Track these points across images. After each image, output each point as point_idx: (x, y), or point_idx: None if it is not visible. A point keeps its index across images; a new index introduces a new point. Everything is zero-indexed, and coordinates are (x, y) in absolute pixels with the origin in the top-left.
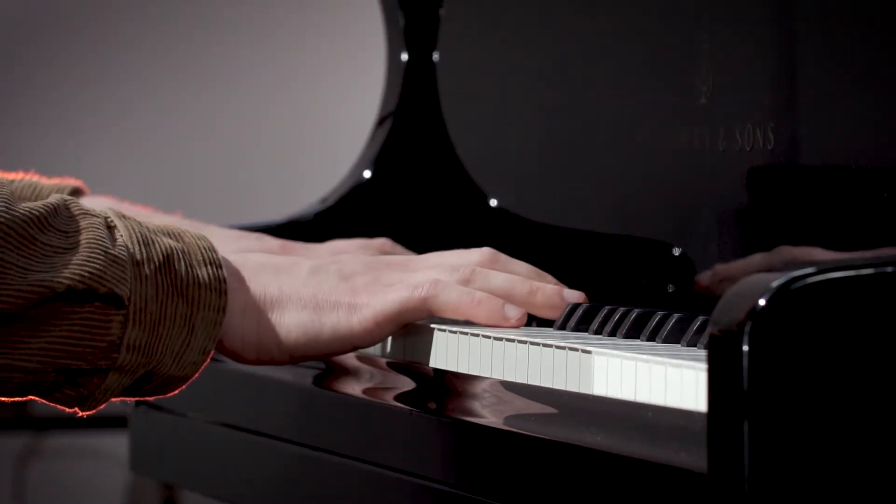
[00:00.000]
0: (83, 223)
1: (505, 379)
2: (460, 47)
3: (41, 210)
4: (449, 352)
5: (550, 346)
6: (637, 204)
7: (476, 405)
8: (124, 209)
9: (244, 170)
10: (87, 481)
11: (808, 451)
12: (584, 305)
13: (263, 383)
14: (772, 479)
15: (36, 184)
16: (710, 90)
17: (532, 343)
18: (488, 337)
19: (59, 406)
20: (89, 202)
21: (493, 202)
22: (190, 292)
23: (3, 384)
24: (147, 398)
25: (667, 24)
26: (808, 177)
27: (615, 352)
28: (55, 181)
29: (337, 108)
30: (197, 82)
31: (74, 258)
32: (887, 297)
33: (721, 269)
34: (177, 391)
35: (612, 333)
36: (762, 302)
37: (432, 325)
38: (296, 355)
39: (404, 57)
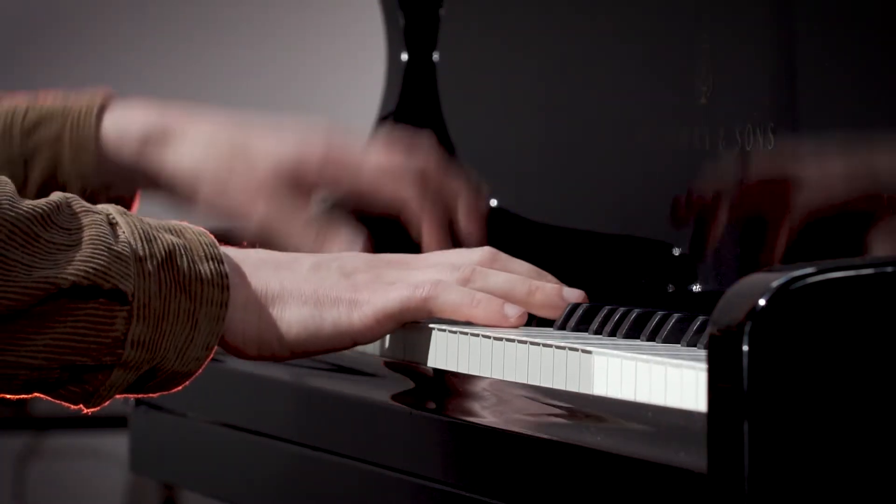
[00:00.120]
0: (85, 220)
1: (505, 379)
2: (460, 47)
3: (44, 207)
4: (449, 351)
5: (550, 345)
6: (637, 204)
7: (476, 405)
8: (154, 111)
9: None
10: (87, 481)
11: (807, 451)
12: (585, 305)
13: (263, 383)
14: (772, 479)
15: (66, 107)
16: (710, 90)
17: (532, 343)
18: (488, 337)
19: (63, 403)
20: (123, 107)
21: (493, 202)
22: (193, 288)
23: (8, 381)
24: (151, 394)
25: (667, 24)
26: (808, 177)
27: (615, 352)
28: (86, 95)
29: (337, 108)
30: (197, 82)
31: (78, 255)
32: (887, 297)
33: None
34: (180, 387)
35: (612, 333)
36: (762, 302)
37: (432, 325)
38: (296, 350)
39: (404, 57)
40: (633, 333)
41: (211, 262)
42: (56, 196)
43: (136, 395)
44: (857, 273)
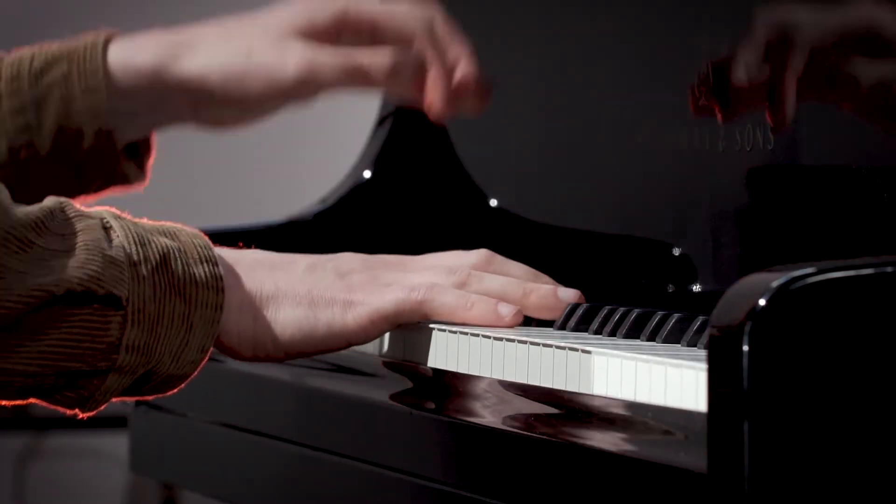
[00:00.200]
0: (79, 225)
1: (505, 379)
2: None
3: (38, 214)
4: (448, 352)
5: (550, 346)
6: (637, 204)
7: (476, 405)
8: (161, 34)
9: (244, 170)
10: (87, 481)
11: (807, 450)
12: (584, 305)
13: (263, 383)
14: (772, 479)
15: (70, 48)
16: (710, 90)
17: (532, 343)
18: (488, 337)
19: (59, 408)
20: (127, 39)
21: (493, 202)
22: (187, 291)
23: (3, 388)
24: (147, 398)
25: (667, 24)
26: (808, 177)
27: (615, 352)
28: (89, 36)
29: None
30: None
31: (72, 261)
32: (887, 297)
33: None
34: (175, 390)
35: (612, 333)
36: (762, 302)
37: (432, 325)
38: (291, 351)
39: None
40: (633, 333)
41: (205, 265)
42: (50, 201)
43: (132, 398)
44: (857, 273)
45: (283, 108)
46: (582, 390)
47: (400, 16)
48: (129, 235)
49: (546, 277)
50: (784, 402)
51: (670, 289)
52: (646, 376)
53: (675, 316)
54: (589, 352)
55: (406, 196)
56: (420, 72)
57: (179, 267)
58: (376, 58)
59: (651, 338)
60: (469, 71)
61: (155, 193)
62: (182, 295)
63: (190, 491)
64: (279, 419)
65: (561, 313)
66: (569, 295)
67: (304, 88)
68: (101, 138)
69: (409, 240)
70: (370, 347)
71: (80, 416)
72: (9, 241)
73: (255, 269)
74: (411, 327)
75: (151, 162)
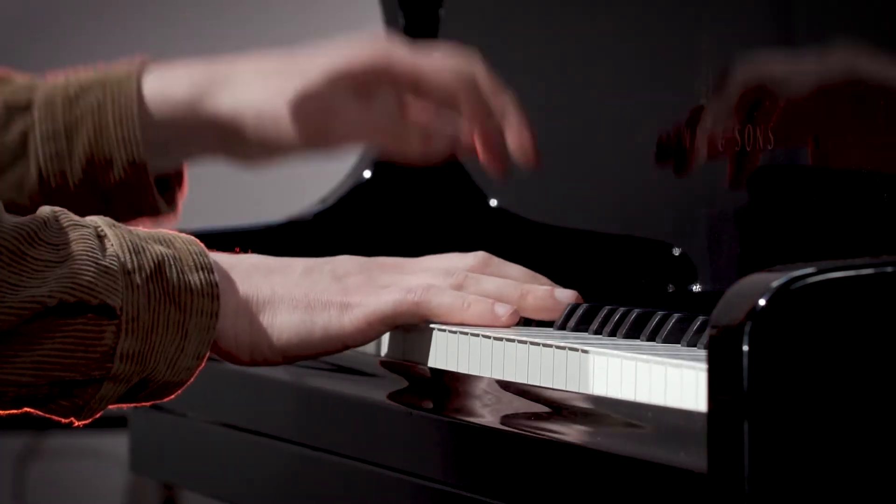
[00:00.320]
0: (73, 235)
1: (504, 379)
2: (460, 47)
3: (30, 225)
4: (448, 352)
5: (550, 346)
6: (637, 204)
7: (476, 405)
8: (198, 66)
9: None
10: (87, 481)
11: (807, 450)
12: (584, 305)
13: (263, 383)
14: (772, 479)
15: (105, 76)
16: (710, 90)
17: (532, 343)
18: (488, 337)
19: (54, 417)
20: (163, 68)
21: (493, 202)
22: (182, 299)
23: None
24: (143, 404)
25: (667, 24)
26: (808, 177)
27: (615, 352)
28: (124, 64)
29: None
30: None
31: (65, 271)
32: (887, 297)
33: None
34: (172, 396)
35: (612, 333)
36: (762, 302)
37: (432, 325)
38: (288, 355)
39: None
40: (633, 333)
41: (200, 272)
42: (44, 211)
43: (128, 405)
44: (857, 273)
45: (313, 154)
46: (582, 390)
47: (444, 73)
48: (124, 244)
49: (544, 279)
50: (784, 402)
51: (670, 289)
52: (646, 376)
53: (675, 316)
54: (589, 352)
55: (406, 196)
56: (461, 132)
57: (174, 275)
58: (414, 134)
59: (651, 338)
60: (523, 133)
61: None
62: (177, 303)
63: (190, 491)
64: (279, 419)
65: (559, 314)
66: (566, 296)
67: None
68: (132, 169)
69: (409, 240)
70: (370, 348)
71: (76, 424)
72: (1, 254)
73: (251, 274)
74: (411, 327)
75: (183, 196)
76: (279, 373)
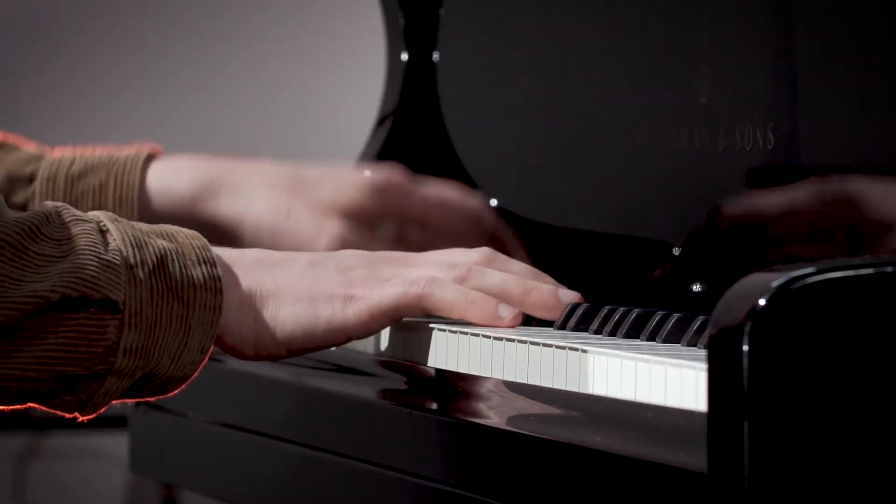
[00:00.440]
0: (75, 230)
1: (505, 379)
2: (460, 47)
3: (33, 220)
4: (448, 351)
5: (550, 345)
6: (637, 204)
7: (476, 405)
8: (204, 163)
9: None
10: (87, 481)
11: (807, 450)
12: (584, 305)
13: (263, 383)
14: (772, 479)
15: (112, 158)
16: (710, 90)
17: (532, 343)
18: (488, 337)
19: (58, 412)
20: (170, 159)
21: (493, 202)
22: (185, 293)
23: (1, 393)
24: (147, 399)
25: (667, 24)
26: (808, 177)
27: (615, 351)
28: (132, 149)
29: (337, 108)
30: (197, 82)
31: (67, 266)
32: (887, 297)
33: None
34: (177, 391)
35: (612, 333)
36: (762, 302)
37: (432, 325)
38: (293, 348)
39: (404, 57)
40: (632, 333)
41: (203, 266)
42: (47, 206)
43: (132, 400)
44: (856, 273)
45: None
46: (582, 390)
47: (447, 218)
48: (126, 238)
49: (547, 277)
50: (784, 401)
51: (670, 289)
52: (646, 376)
53: (675, 316)
54: (588, 351)
55: None
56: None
57: (177, 269)
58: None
59: (651, 338)
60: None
61: None
62: (180, 297)
63: (190, 491)
64: (279, 419)
65: (560, 313)
66: (569, 296)
67: None
68: None
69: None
70: (370, 347)
71: (80, 419)
72: (3, 249)
73: (254, 267)
74: (412, 327)
75: None
76: (279, 373)
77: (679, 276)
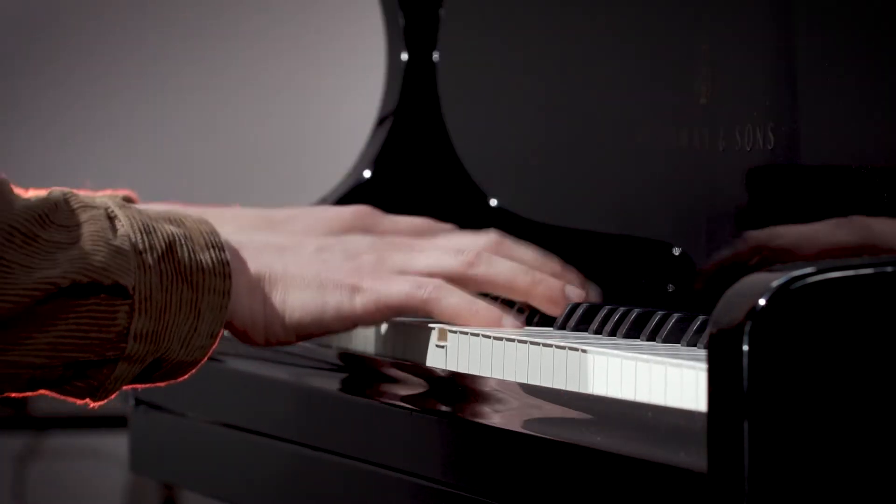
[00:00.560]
0: (84, 216)
1: (505, 378)
2: (460, 47)
3: (42, 207)
4: (448, 351)
5: (550, 345)
6: (637, 204)
7: (476, 405)
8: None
9: (244, 170)
10: (87, 481)
11: (807, 450)
12: (585, 305)
13: (263, 383)
14: (772, 479)
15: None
16: (710, 90)
17: (532, 343)
18: (488, 336)
19: (70, 398)
20: (141, 208)
21: (493, 202)
22: (194, 278)
23: (12, 380)
24: (158, 384)
25: (667, 24)
26: (808, 177)
27: (615, 351)
28: (107, 194)
29: (337, 108)
30: (197, 82)
31: (77, 252)
32: (887, 297)
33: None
34: (186, 376)
35: (612, 333)
36: (762, 302)
37: (431, 325)
38: (301, 334)
39: (404, 57)
40: (633, 333)
41: (212, 251)
42: (55, 193)
43: (143, 386)
44: (856, 273)
45: None
46: (582, 390)
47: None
48: (135, 224)
49: (555, 260)
50: (784, 401)
51: (670, 289)
52: (646, 376)
53: (675, 316)
54: (588, 351)
55: (406, 196)
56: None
57: (186, 254)
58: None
59: (651, 338)
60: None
61: (155, 193)
62: (189, 282)
63: (190, 491)
64: (279, 419)
65: (563, 309)
66: (575, 293)
67: None
68: None
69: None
70: (370, 347)
71: (92, 405)
72: (13, 236)
73: (262, 252)
74: (412, 327)
75: None
76: (279, 373)
77: (679, 276)
